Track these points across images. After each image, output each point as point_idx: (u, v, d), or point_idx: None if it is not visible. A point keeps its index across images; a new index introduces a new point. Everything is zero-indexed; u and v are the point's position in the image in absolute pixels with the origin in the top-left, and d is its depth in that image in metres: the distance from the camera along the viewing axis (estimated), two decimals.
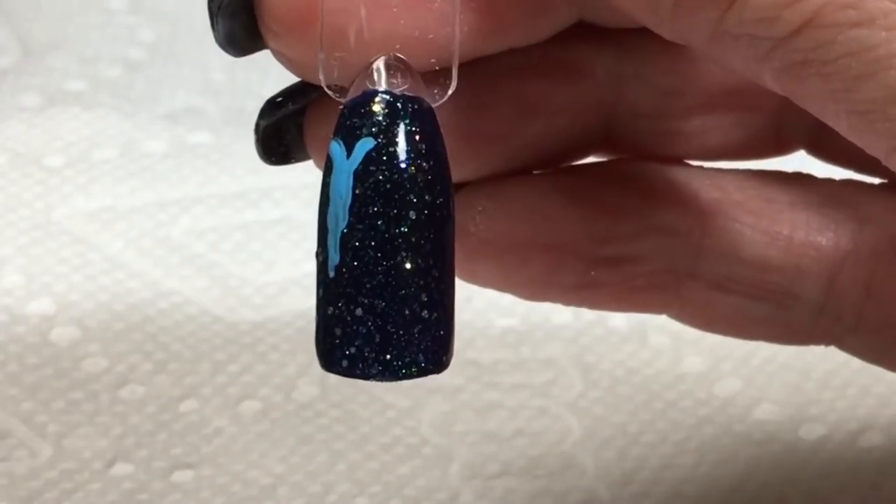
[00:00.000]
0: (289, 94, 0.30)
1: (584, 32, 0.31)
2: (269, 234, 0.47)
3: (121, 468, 0.38)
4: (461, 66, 0.28)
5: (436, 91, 0.28)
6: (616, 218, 0.32)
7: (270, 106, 0.30)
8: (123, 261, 0.46)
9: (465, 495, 0.38)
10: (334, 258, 0.27)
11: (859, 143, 0.26)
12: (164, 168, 0.50)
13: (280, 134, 0.30)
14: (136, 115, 0.53)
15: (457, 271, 0.31)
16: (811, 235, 0.32)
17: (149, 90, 0.54)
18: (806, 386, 0.41)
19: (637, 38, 0.31)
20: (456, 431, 0.40)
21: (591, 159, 0.33)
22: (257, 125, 0.31)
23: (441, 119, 0.28)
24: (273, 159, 0.31)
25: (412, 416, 0.40)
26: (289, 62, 0.28)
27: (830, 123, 0.26)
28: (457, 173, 0.31)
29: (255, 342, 0.42)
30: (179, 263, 0.46)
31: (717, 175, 0.33)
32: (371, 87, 0.27)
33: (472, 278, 0.32)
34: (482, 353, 0.42)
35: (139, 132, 0.52)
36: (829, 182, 0.33)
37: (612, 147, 0.33)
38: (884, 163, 0.26)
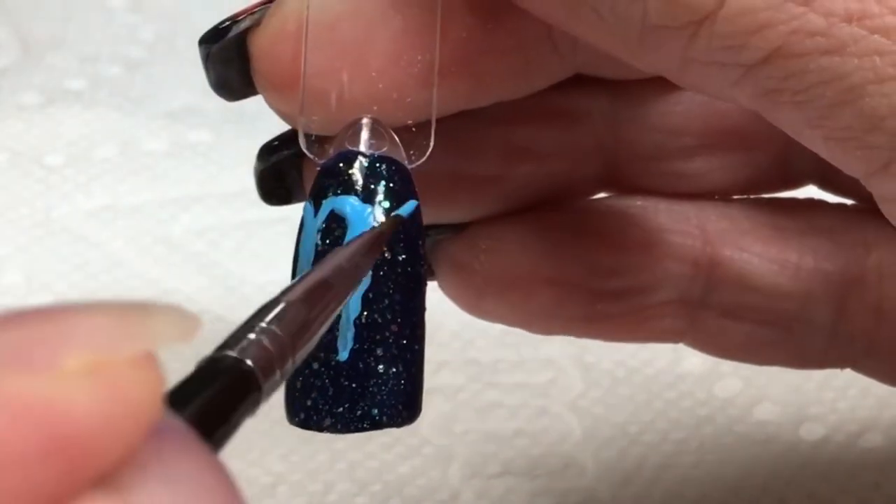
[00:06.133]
0: (284, 139, 0.30)
1: (579, 78, 0.31)
2: (269, 232, 0.47)
3: None
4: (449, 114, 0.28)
5: (413, 152, 0.28)
6: (622, 251, 0.32)
7: (267, 151, 0.31)
8: (123, 259, 0.46)
9: (465, 494, 0.38)
10: None
11: (838, 165, 0.25)
12: (164, 167, 0.50)
13: (281, 176, 0.30)
14: (137, 113, 0.53)
15: (466, 308, 0.31)
16: (820, 262, 0.32)
17: (149, 89, 0.54)
18: (806, 386, 0.41)
19: (632, 81, 0.31)
20: (456, 431, 0.40)
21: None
22: (255, 169, 0.31)
23: (430, 163, 0.28)
24: (274, 200, 0.31)
25: None
26: (278, 114, 0.29)
27: (808, 146, 0.25)
28: (451, 215, 0.31)
29: None
30: (180, 262, 0.46)
31: (724, 204, 0.33)
32: (348, 147, 0.27)
33: (480, 314, 0.32)
34: (482, 353, 0.42)
35: (139, 131, 0.52)
36: (838, 207, 0.33)
37: (617, 187, 0.33)
38: (863, 183, 0.25)
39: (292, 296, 0.22)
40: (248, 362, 0.21)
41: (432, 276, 0.32)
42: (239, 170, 0.49)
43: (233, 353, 0.21)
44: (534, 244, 0.31)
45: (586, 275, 0.32)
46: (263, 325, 0.21)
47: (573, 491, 0.38)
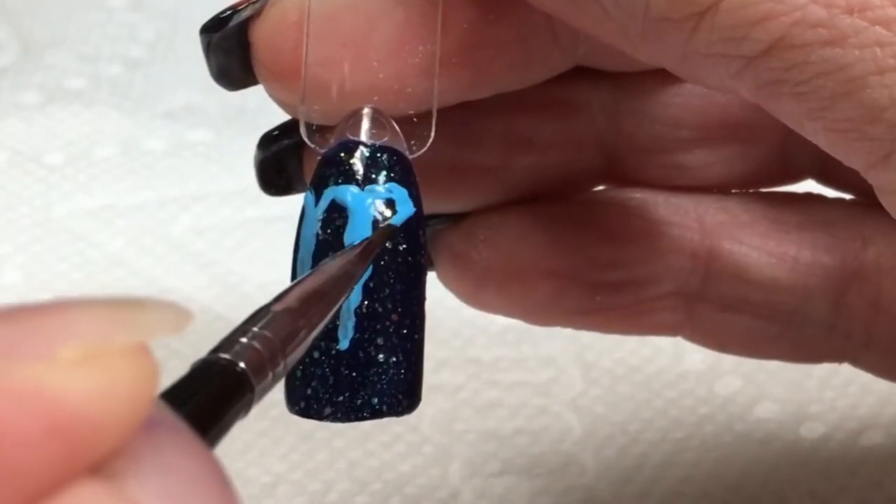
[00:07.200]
0: (285, 128, 0.30)
1: (579, 70, 0.31)
2: (269, 231, 0.47)
3: None
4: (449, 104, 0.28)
5: (413, 142, 0.28)
6: (621, 243, 0.32)
7: (267, 140, 0.31)
8: (123, 258, 0.46)
9: (465, 493, 0.38)
10: None
11: (837, 157, 0.25)
12: (164, 166, 0.50)
13: (281, 166, 0.31)
14: (136, 112, 0.53)
15: (465, 298, 0.31)
16: (817, 255, 0.32)
17: (149, 88, 0.54)
18: (807, 384, 0.41)
19: (632, 74, 0.31)
20: (456, 429, 0.40)
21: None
22: (255, 158, 0.31)
23: (431, 153, 0.28)
24: (273, 190, 0.31)
25: (412, 413, 0.40)
26: (279, 104, 0.29)
27: (809, 138, 0.25)
28: (451, 205, 0.31)
29: None
30: (180, 261, 0.46)
31: (723, 198, 0.33)
32: (349, 137, 0.27)
33: (480, 305, 0.32)
34: (482, 351, 0.42)
35: (139, 130, 0.52)
36: (836, 202, 0.33)
37: (617, 179, 0.33)
38: (863, 175, 0.26)
39: (285, 302, 0.23)
40: (241, 364, 0.21)
41: (431, 266, 0.32)
42: (239, 169, 0.49)
43: (226, 356, 0.21)
44: (533, 235, 0.32)
45: (585, 267, 0.32)
46: (256, 329, 0.22)
47: (573, 489, 0.38)
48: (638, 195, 0.33)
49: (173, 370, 0.43)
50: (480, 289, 0.32)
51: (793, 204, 0.33)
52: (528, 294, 0.32)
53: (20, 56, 0.56)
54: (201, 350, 0.47)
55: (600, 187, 0.33)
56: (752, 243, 0.32)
